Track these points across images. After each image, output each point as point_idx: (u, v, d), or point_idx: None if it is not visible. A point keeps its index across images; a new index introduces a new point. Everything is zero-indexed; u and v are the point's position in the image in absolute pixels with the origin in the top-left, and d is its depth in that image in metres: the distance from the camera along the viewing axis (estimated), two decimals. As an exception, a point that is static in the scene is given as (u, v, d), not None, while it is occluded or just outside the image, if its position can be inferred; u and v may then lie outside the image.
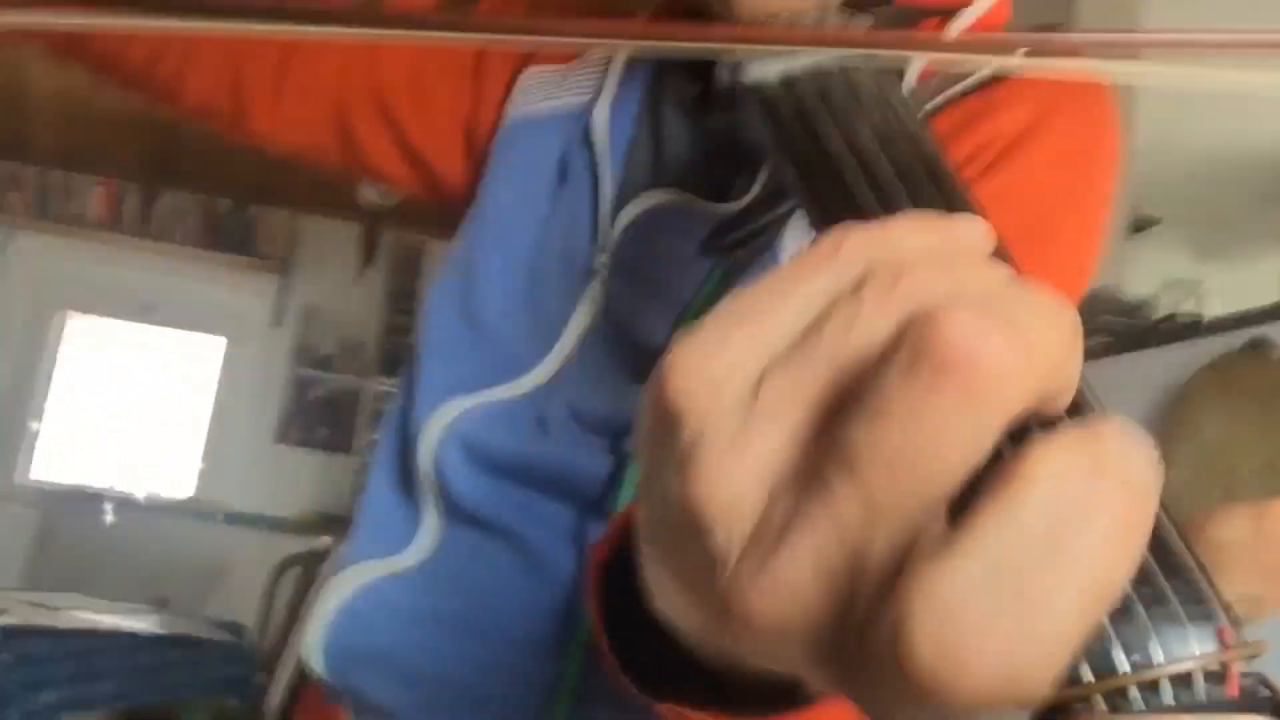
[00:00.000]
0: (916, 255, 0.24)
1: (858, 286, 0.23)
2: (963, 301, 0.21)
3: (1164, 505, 0.24)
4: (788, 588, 0.22)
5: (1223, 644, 0.22)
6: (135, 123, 4.52)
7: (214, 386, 5.17)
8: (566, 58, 0.77)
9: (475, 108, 0.78)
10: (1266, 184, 3.86)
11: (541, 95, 0.75)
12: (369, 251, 5.23)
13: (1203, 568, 0.23)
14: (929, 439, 0.21)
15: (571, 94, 0.74)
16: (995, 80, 0.62)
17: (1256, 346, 1.73)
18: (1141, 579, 0.23)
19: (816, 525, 0.21)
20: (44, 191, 4.98)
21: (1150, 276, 2.31)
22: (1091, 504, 0.20)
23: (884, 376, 0.21)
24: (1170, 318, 2.11)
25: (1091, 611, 0.20)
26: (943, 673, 0.20)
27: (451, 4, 0.77)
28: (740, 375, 0.23)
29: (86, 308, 5.14)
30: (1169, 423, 1.79)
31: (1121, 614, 0.22)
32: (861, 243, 0.24)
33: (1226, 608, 0.23)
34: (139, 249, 5.02)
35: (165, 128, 4.52)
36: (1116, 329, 2.06)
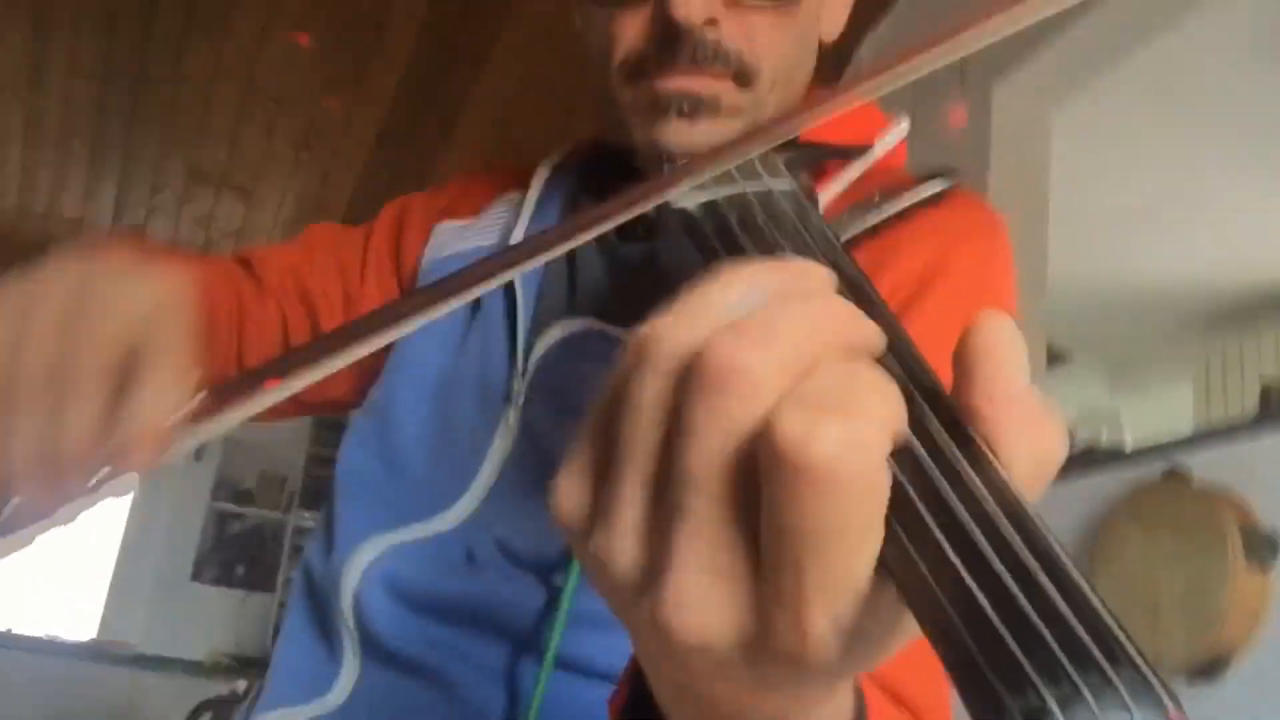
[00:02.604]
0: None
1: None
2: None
3: (1101, 597, 0.25)
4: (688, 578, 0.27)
5: None
6: (13, 240, 4.47)
7: (123, 523, 4.98)
8: (474, 209, 0.80)
9: (399, 280, 0.81)
10: (1176, 315, 4.01)
11: (454, 241, 0.78)
12: (296, 383, 5.17)
13: (1143, 654, 0.24)
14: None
15: (483, 235, 0.77)
16: (896, 219, 0.63)
17: (1172, 475, 1.76)
18: (1088, 668, 0.23)
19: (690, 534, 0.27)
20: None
21: (1067, 408, 2.36)
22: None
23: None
24: (1089, 449, 2.15)
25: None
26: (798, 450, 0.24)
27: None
28: (590, 479, 0.29)
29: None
30: (1093, 552, 1.81)
31: (1072, 704, 0.23)
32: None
33: (1172, 694, 0.23)
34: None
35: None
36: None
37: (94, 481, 0.42)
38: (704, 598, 0.26)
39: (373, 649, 0.65)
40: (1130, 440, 2.23)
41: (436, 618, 0.64)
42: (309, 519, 4.87)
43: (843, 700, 0.33)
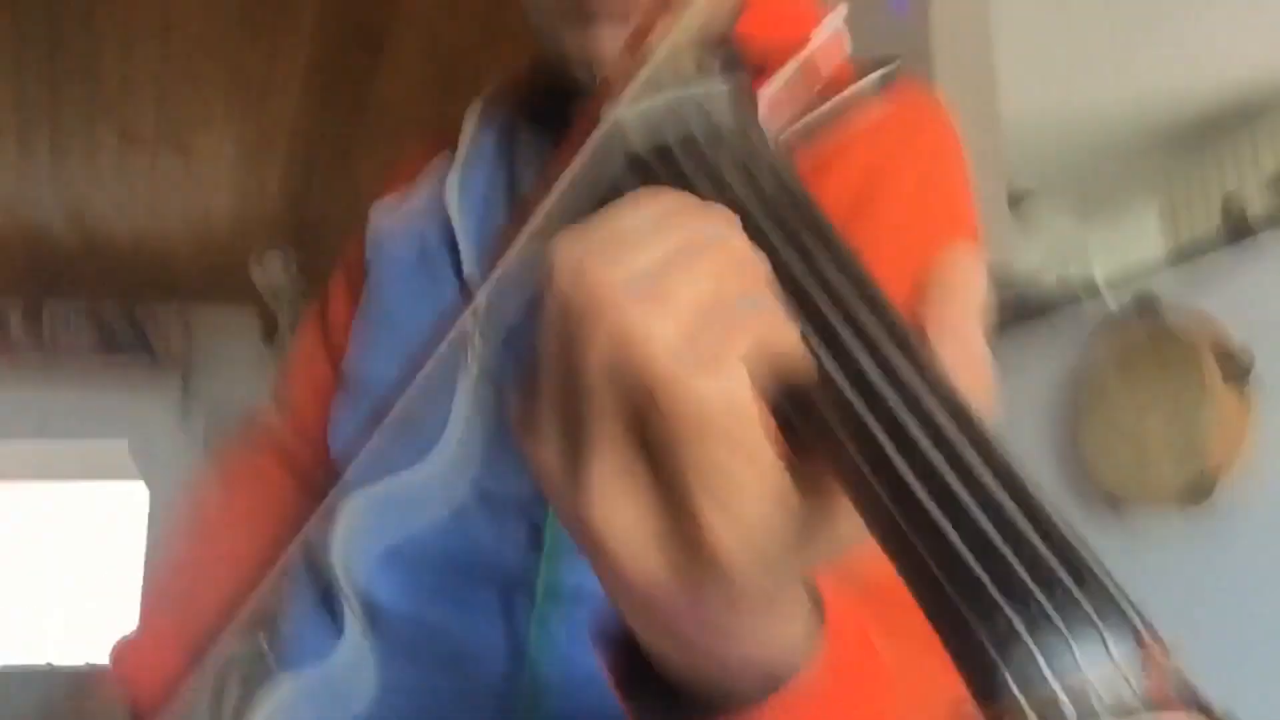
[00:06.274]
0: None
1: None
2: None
3: (1062, 513, 0.24)
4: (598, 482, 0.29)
5: (1141, 644, 0.23)
6: (8, 238, 4.39)
7: (145, 533, 4.75)
8: (409, 177, 0.80)
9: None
10: (1136, 140, 3.98)
11: (392, 213, 0.79)
12: (270, 333, 5.12)
13: (1106, 570, 0.24)
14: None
15: (419, 196, 0.77)
16: (837, 117, 0.60)
17: (1144, 306, 1.75)
18: (1054, 589, 0.23)
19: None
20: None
21: (1034, 247, 2.35)
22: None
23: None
24: (1059, 286, 2.14)
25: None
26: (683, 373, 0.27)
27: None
28: None
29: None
30: (1080, 392, 1.81)
31: (1040, 626, 0.23)
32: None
33: (1141, 614, 0.23)
34: (32, 366, 4.82)
35: (40, 239, 4.40)
36: (1013, 304, 2.08)
37: None
38: (617, 505, 0.29)
39: (371, 609, 0.66)
40: (1099, 272, 2.22)
41: (427, 570, 0.64)
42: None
43: (791, 608, 0.33)
